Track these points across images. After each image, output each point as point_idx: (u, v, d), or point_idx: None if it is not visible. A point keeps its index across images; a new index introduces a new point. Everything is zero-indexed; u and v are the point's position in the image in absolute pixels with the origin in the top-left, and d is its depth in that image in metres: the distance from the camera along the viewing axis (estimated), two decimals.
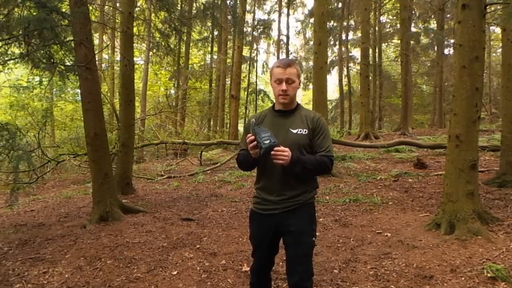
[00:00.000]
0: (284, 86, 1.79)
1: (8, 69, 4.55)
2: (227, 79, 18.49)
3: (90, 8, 5.81)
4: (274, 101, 1.95)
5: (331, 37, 19.72)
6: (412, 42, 16.37)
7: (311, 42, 20.02)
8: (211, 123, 18.66)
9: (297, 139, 1.79)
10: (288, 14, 20.31)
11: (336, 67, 21.59)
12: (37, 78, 9.72)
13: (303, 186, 1.84)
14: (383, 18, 21.25)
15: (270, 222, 1.87)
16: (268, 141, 1.63)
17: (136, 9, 8.73)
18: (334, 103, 24.39)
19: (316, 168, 1.78)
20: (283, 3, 20.15)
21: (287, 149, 1.68)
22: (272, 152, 1.64)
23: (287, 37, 20.32)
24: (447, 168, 3.67)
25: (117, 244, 3.69)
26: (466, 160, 3.49)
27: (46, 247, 3.74)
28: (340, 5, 19.01)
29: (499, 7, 4.95)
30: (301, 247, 1.82)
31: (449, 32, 17.29)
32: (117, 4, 11.30)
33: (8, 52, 3.95)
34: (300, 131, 1.81)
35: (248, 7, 18.28)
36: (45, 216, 5.31)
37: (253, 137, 1.69)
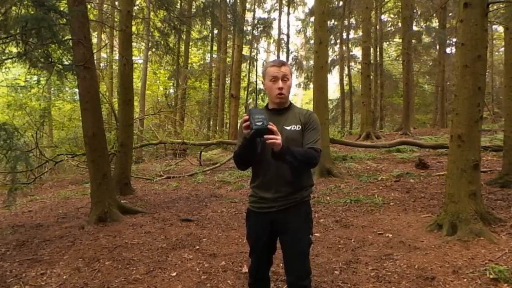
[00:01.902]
0: (280, 83, 1.83)
1: (5, 68, 4.54)
2: (226, 79, 18.45)
3: (89, 6, 5.79)
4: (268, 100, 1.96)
5: (331, 36, 19.64)
6: (413, 41, 16.30)
7: (312, 41, 19.98)
8: (211, 123, 18.63)
9: (291, 136, 1.80)
10: (288, 13, 20.31)
11: (337, 66, 21.52)
12: (35, 78, 9.68)
13: (299, 183, 1.84)
14: (384, 17, 21.19)
15: (266, 221, 1.87)
16: (261, 123, 1.58)
17: (135, 7, 8.67)
18: (335, 103, 24.33)
19: (304, 159, 1.75)
20: (284, 2, 20.09)
21: (279, 136, 1.66)
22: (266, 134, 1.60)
23: (288, 36, 20.32)
24: (449, 168, 3.63)
25: (116, 245, 3.66)
26: (468, 160, 3.45)
27: (44, 248, 3.72)
28: (341, 3, 18.92)
29: (501, 5, 4.91)
30: (298, 245, 1.82)
31: (451, 31, 17.20)
32: (116, 3, 11.29)
33: (6, 51, 3.93)
34: (294, 127, 1.84)
35: (248, 6, 18.23)
36: (43, 217, 5.28)
37: (247, 116, 1.68)
